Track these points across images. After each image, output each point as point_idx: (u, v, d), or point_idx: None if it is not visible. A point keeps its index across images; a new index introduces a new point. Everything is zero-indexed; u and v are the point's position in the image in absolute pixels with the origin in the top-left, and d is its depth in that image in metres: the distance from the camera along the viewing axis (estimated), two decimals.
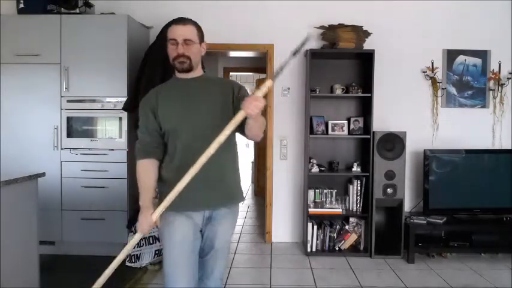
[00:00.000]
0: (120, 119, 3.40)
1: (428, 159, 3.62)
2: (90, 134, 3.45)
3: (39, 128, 3.44)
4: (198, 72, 1.76)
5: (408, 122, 3.87)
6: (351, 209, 3.76)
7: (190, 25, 1.69)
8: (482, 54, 3.91)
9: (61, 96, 3.43)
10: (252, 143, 7.71)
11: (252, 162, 7.05)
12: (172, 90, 1.73)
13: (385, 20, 3.89)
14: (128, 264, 3.17)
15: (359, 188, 3.72)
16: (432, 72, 3.88)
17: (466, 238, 3.55)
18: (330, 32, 3.63)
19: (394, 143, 3.55)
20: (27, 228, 2.46)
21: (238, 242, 4.05)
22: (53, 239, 3.48)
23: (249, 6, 3.93)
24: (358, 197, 3.73)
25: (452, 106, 3.94)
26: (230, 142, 1.70)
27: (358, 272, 3.25)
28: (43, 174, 2.57)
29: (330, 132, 3.79)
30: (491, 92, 3.92)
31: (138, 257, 3.19)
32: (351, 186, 3.77)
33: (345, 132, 3.79)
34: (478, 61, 3.92)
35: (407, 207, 3.82)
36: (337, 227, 3.73)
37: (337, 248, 3.70)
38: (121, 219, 3.39)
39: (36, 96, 3.43)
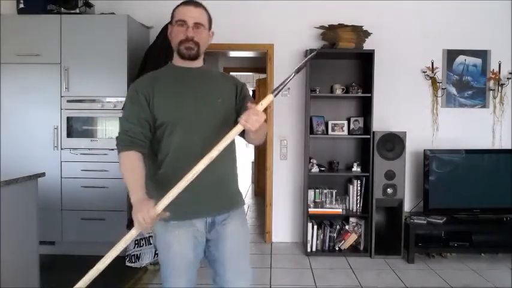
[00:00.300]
0: (120, 119, 3.40)
1: (428, 159, 3.62)
2: (90, 134, 3.45)
3: (39, 128, 3.44)
4: (199, 62, 1.61)
5: (408, 122, 3.87)
6: (351, 209, 3.76)
7: (202, 8, 1.56)
8: (482, 54, 3.91)
9: (61, 96, 3.43)
10: None
11: (252, 162, 7.05)
12: (171, 79, 1.56)
13: (385, 20, 3.89)
14: (128, 264, 3.17)
15: (359, 188, 3.72)
16: (432, 72, 3.88)
17: (466, 238, 3.55)
18: (330, 32, 3.63)
19: (394, 143, 3.55)
20: (27, 228, 2.45)
21: None
22: (53, 239, 3.48)
23: (249, 6, 3.93)
24: (358, 197, 3.73)
25: (452, 106, 3.94)
26: (231, 146, 1.57)
27: (358, 272, 3.25)
28: (43, 174, 2.57)
29: (330, 132, 3.79)
30: (491, 92, 3.92)
31: (138, 257, 3.19)
32: (351, 186, 3.77)
33: (345, 132, 3.79)
34: (478, 61, 3.92)
35: (407, 207, 3.82)
36: (337, 227, 3.73)
37: (337, 248, 3.70)
38: (121, 219, 3.38)
39: (36, 96, 3.43)
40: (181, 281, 1.54)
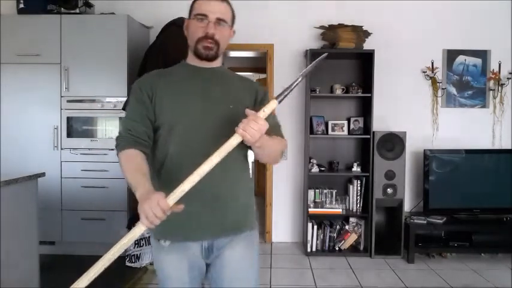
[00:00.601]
0: (120, 119, 3.40)
1: (428, 159, 3.62)
2: (90, 134, 3.46)
3: (39, 128, 3.44)
4: (217, 62, 1.42)
5: (408, 122, 3.87)
6: (351, 209, 3.76)
7: (226, 3, 1.37)
8: (482, 54, 3.91)
9: (61, 96, 3.43)
10: None
11: (252, 162, 7.03)
12: (179, 77, 1.39)
13: (385, 20, 3.89)
14: (128, 264, 3.17)
15: (359, 188, 3.72)
16: (432, 72, 3.88)
17: (466, 238, 3.55)
18: (330, 32, 3.63)
19: (394, 143, 3.55)
20: (27, 228, 2.45)
21: None
22: (53, 239, 3.48)
23: (249, 6, 3.93)
24: (358, 197, 3.73)
25: (452, 106, 3.94)
26: (242, 153, 1.39)
27: (358, 272, 3.25)
28: (43, 174, 2.57)
29: (330, 132, 3.79)
30: (491, 92, 3.92)
31: (138, 257, 3.19)
32: (351, 186, 3.77)
33: (345, 132, 3.79)
34: (478, 61, 3.92)
35: (407, 207, 3.81)
36: (337, 227, 3.73)
37: (337, 248, 3.70)
38: (121, 219, 3.38)
39: (36, 96, 3.43)
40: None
